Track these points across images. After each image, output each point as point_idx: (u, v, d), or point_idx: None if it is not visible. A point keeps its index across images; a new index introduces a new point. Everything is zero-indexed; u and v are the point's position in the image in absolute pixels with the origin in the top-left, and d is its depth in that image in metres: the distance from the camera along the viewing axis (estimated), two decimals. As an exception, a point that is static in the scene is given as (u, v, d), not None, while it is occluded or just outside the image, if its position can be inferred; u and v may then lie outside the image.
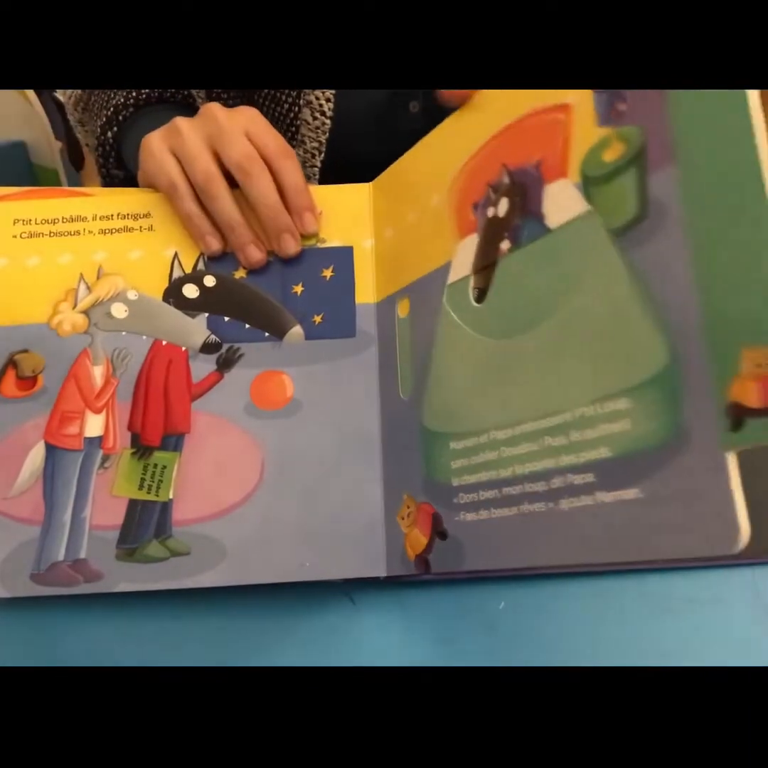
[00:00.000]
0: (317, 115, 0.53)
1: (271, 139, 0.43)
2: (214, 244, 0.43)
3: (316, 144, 0.54)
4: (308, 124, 0.54)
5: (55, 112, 0.69)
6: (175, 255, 0.44)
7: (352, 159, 0.47)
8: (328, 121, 0.53)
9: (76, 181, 0.93)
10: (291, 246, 0.43)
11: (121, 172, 0.57)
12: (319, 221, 0.44)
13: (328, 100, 0.53)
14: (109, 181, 0.58)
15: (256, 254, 0.43)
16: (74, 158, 0.97)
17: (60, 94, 0.61)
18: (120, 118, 0.55)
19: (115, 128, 0.55)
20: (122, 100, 0.55)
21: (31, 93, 0.74)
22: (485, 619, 0.39)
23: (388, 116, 0.55)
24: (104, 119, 0.55)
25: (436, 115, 0.53)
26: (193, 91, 0.56)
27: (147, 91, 0.55)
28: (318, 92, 0.52)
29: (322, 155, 0.55)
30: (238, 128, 0.43)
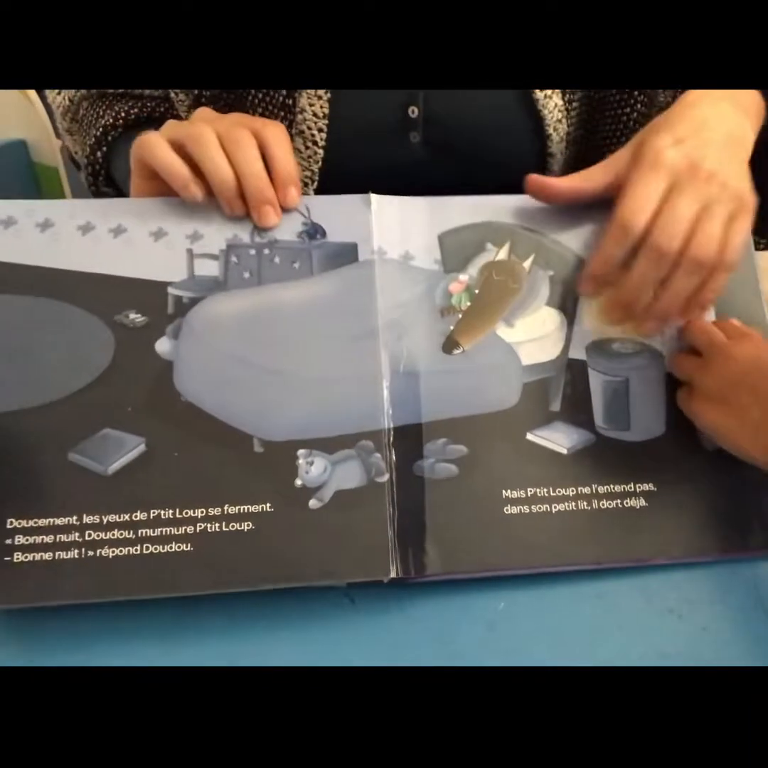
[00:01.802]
0: (309, 144, 0.54)
1: (261, 119, 0.44)
2: (198, 192, 0.43)
3: (308, 173, 0.54)
4: (301, 153, 0.54)
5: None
6: None
7: (347, 189, 0.47)
8: (320, 151, 0.54)
9: (76, 179, 0.93)
10: (271, 218, 0.44)
11: (111, 189, 0.58)
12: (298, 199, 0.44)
13: (320, 130, 0.53)
14: (99, 197, 0.59)
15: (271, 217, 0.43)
16: (74, 157, 0.98)
17: (50, 100, 0.60)
18: (109, 138, 0.56)
19: (104, 148, 0.56)
20: (110, 120, 0.55)
21: (31, 92, 0.74)
22: (485, 619, 0.38)
23: (386, 147, 0.54)
24: (93, 139, 0.56)
25: (437, 146, 0.54)
26: (182, 111, 0.56)
27: (135, 111, 0.56)
28: (310, 122, 0.53)
29: (315, 184, 0.55)
30: (230, 115, 0.45)
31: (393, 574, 0.38)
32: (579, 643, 0.38)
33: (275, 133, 0.44)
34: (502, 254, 0.45)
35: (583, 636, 0.38)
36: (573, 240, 0.46)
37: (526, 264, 0.45)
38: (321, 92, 0.52)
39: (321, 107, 0.52)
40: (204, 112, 0.46)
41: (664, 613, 0.39)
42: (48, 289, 0.43)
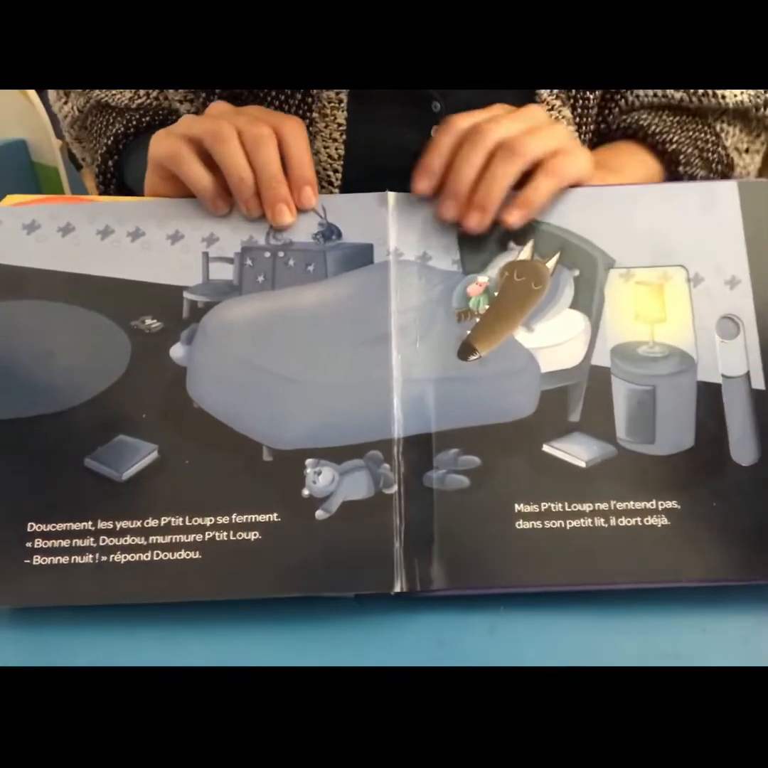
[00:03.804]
0: (324, 184, 0.54)
1: (279, 114, 0.44)
2: (223, 207, 0.44)
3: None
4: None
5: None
6: None
7: None
8: (335, 191, 0.54)
9: (76, 179, 0.94)
10: (285, 217, 0.43)
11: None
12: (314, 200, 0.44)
13: (335, 171, 0.53)
14: None
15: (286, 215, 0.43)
16: (74, 157, 0.99)
17: (55, 109, 0.61)
18: (120, 147, 0.56)
19: (116, 157, 0.56)
20: (121, 129, 0.55)
21: (31, 92, 0.74)
22: (486, 622, 0.38)
23: (401, 188, 0.54)
24: (104, 148, 0.56)
25: None
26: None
27: (146, 119, 0.56)
28: (325, 164, 0.53)
29: None
30: (247, 108, 0.44)
31: (398, 588, 0.37)
32: (579, 643, 0.37)
33: (294, 130, 0.43)
34: (525, 253, 0.43)
35: (583, 636, 0.37)
36: (601, 237, 0.43)
37: (550, 264, 0.43)
38: (336, 134, 0.52)
39: (336, 150, 0.53)
40: (219, 105, 0.45)
41: (664, 614, 0.37)
42: (68, 294, 0.44)
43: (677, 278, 0.42)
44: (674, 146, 0.53)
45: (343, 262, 0.44)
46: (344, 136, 0.53)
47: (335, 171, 0.54)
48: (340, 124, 0.53)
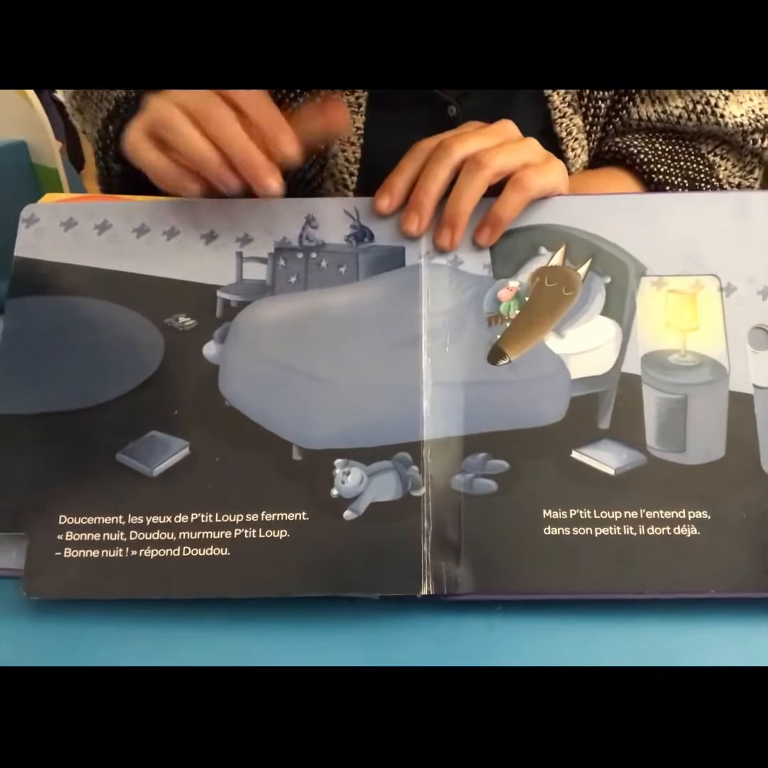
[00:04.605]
0: (340, 187, 0.54)
1: (238, 90, 0.42)
2: (196, 189, 0.43)
3: None
4: (331, 193, 0.55)
5: (55, 112, 0.69)
6: None
7: None
8: (350, 194, 0.55)
9: (76, 180, 0.94)
10: (269, 181, 0.41)
11: (119, 165, 0.56)
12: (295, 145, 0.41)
13: (351, 174, 0.54)
14: (107, 174, 0.57)
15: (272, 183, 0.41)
16: (74, 158, 0.99)
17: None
18: (121, 111, 0.54)
19: (117, 121, 0.54)
20: (123, 93, 0.54)
21: (31, 93, 0.74)
22: (484, 619, 0.38)
23: None
24: (106, 112, 0.55)
25: None
26: None
27: None
28: (342, 167, 0.54)
29: None
30: (198, 91, 0.42)
31: (425, 591, 0.38)
32: (578, 643, 0.37)
33: (248, 95, 0.41)
34: (556, 259, 0.43)
35: (582, 636, 0.37)
36: (633, 245, 0.43)
37: (582, 270, 0.43)
38: (353, 138, 0.52)
39: (353, 153, 0.53)
40: (170, 93, 0.43)
41: (664, 613, 0.37)
42: (103, 290, 0.44)
43: (710, 287, 0.42)
44: (661, 177, 0.53)
45: (374, 264, 0.44)
46: (362, 140, 0.54)
47: (352, 174, 0.55)
48: (358, 129, 0.53)
